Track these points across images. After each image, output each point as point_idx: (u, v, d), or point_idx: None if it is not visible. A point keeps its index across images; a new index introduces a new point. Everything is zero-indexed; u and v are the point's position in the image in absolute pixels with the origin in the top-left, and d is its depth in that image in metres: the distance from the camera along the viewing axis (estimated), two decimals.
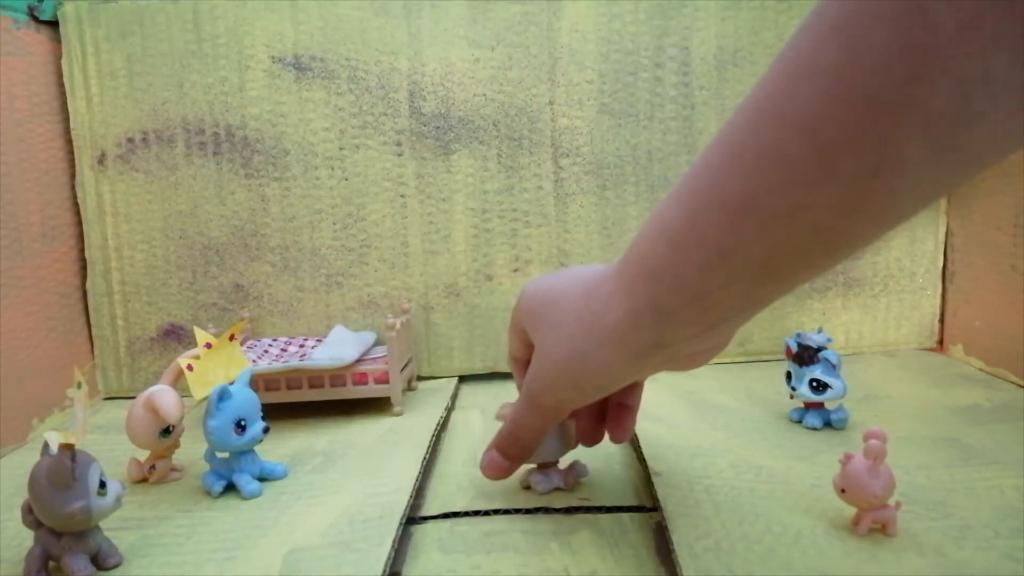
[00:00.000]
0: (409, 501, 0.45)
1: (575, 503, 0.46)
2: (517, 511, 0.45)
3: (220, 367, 0.52)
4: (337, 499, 0.47)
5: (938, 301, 0.75)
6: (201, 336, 0.52)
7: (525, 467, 0.48)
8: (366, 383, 0.63)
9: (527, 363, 0.45)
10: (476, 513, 0.45)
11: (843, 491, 0.39)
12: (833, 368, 0.54)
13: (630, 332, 0.33)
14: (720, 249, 0.27)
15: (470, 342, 0.75)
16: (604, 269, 0.36)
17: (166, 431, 0.51)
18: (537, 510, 0.45)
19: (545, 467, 0.48)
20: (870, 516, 0.39)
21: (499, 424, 0.47)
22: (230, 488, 0.49)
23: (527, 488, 0.48)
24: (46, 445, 0.38)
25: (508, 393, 0.48)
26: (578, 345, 0.35)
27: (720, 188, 0.27)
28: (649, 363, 0.34)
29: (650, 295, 0.31)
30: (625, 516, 0.44)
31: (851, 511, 0.40)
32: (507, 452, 0.44)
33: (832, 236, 0.25)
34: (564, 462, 0.48)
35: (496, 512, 0.45)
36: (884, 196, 0.24)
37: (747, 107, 0.26)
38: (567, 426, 0.47)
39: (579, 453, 0.49)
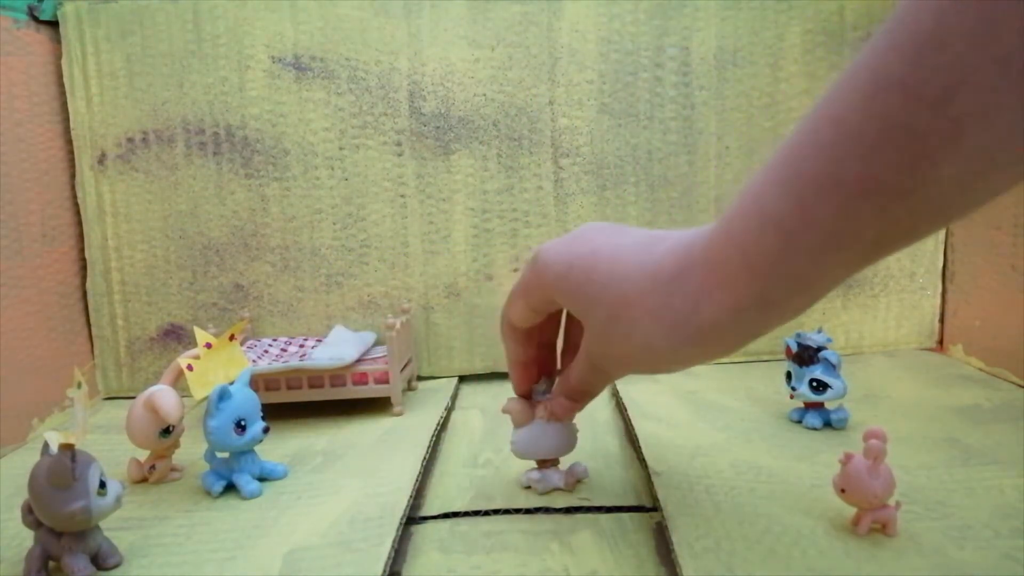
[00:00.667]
0: (409, 501, 0.45)
1: (575, 503, 0.46)
2: (517, 511, 0.45)
3: (220, 367, 0.52)
4: (337, 499, 0.47)
5: (938, 301, 0.75)
6: (201, 336, 0.52)
7: (525, 465, 0.48)
8: (366, 383, 0.63)
9: (528, 333, 0.44)
10: (476, 513, 0.45)
11: (843, 491, 0.39)
12: (833, 368, 0.54)
13: (730, 329, 0.31)
14: (834, 234, 0.26)
15: (470, 342, 0.75)
16: (674, 255, 0.33)
17: (166, 431, 0.51)
18: (537, 510, 0.45)
19: (544, 465, 0.48)
20: (870, 516, 0.39)
21: (503, 419, 0.47)
22: (230, 488, 0.49)
23: (527, 488, 0.48)
24: (46, 445, 0.38)
25: (508, 393, 0.48)
26: (657, 344, 0.33)
27: (835, 169, 0.25)
28: (731, 352, 0.33)
29: (756, 288, 0.29)
30: (625, 516, 0.44)
31: (851, 511, 0.40)
32: (574, 397, 0.44)
33: (949, 209, 0.25)
34: (564, 463, 0.48)
35: (496, 512, 0.45)
36: (1006, 164, 0.23)
37: (861, 80, 0.24)
38: (571, 426, 0.47)
39: (579, 455, 0.49)
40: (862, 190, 0.25)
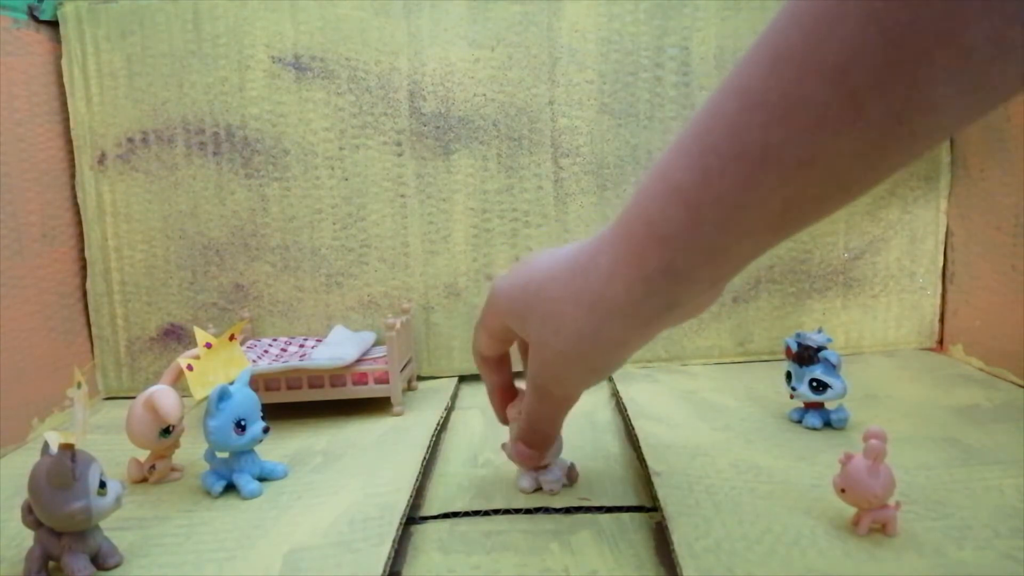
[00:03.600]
0: (409, 501, 0.45)
1: (575, 503, 0.46)
2: (517, 511, 0.45)
3: (220, 367, 0.52)
4: (337, 499, 0.47)
5: (938, 301, 0.75)
6: (201, 336, 0.52)
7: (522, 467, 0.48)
8: (366, 383, 0.63)
9: (499, 361, 0.46)
10: (476, 513, 0.45)
11: (843, 491, 0.39)
12: (833, 368, 0.54)
13: (641, 300, 0.31)
14: (738, 205, 0.27)
15: (470, 342, 0.75)
16: (590, 245, 0.35)
17: (166, 431, 0.51)
18: (537, 510, 0.45)
19: (536, 469, 0.48)
20: (870, 516, 0.39)
21: (508, 425, 0.48)
22: (230, 488, 0.49)
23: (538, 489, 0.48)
24: (46, 445, 0.38)
25: None
26: (583, 327, 0.34)
27: (738, 139, 0.26)
28: (659, 326, 0.34)
29: (663, 259, 0.30)
30: (625, 516, 0.44)
31: (851, 511, 0.40)
32: (531, 443, 0.44)
33: (851, 181, 0.25)
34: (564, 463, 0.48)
35: (496, 512, 0.45)
36: (907, 139, 0.23)
37: (765, 55, 0.25)
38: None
39: (579, 455, 0.49)
40: (763, 159, 0.25)
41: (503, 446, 0.48)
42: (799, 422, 0.56)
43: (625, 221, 0.32)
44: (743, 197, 0.26)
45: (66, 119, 0.72)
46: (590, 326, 0.34)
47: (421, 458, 0.52)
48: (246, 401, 0.49)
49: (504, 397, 0.48)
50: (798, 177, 0.25)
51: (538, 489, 0.47)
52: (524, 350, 0.45)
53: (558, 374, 0.38)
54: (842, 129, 0.23)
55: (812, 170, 0.25)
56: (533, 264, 0.39)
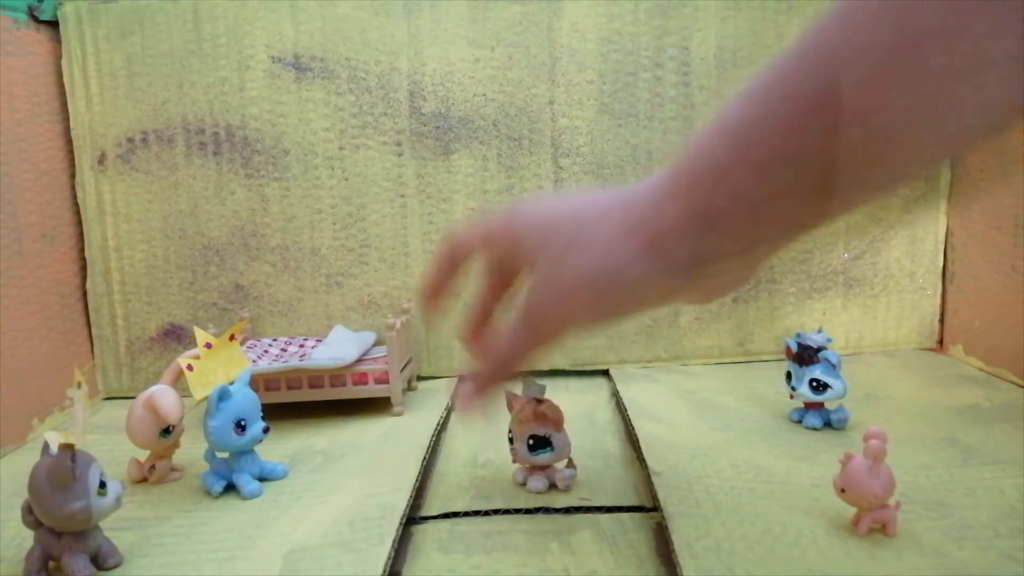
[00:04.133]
0: (409, 501, 0.45)
1: (575, 503, 0.46)
2: (517, 511, 0.45)
3: (220, 367, 0.52)
4: (337, 499, 0.47)
5: (938, 301, 0.75)
6: (201, 336, 0.52)
7: (519, 465, 0.48)
8: (366, 383, 0.63)
9: (458, 264, 0.43)
10: (476, 513, 0.45)
11: (843, 491, 0.39)
12: (833, 368, 0.54)
13: (674, 241, 0.31)
14: (783, 152, 0.26)
15: None
16: (643, 181, 0.34)
17: (166, 431, 0.51)
18: (537, 510, 0.45)
19: (535, 470, 0.48)
20: (870, 516, 0.39)
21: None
22: (230, 488, 0.49)
23: (522, 485, 0.48)
24: (46, 445, 0.38)
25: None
26: (608, 257, 0.32)
27: (793, 82, 0.26)
28: (679, 286, 0.32)
29: (705, 198, 0.29)
30: (625, 516, 0.44)
31: (851, 511, 0.40)
32: (489, 382, 0.41)
33: (897, 149, 0.25)
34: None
35: (496, 512, 0.45)
36: (963, 101, 0.23)
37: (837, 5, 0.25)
38: (563, 435, 0.47)
39: (579, 455, 0.49)
40: (816, 104, 0.25)
41: (454, 395, 0.43)
42: (799, 422, 0.56)
43: (678, 158, 0.32)
44: (789, 145, 0.26)
45: (66, 119, 0.72)
46: (616, 257, 0.32)
47: (421, 458, 0.52)
48: (246, 401, 0.49)
49: (437, 294, 0.45)
50: (846, 131, 0.25)
51: (552, 487, 0.47)
52: (496, 286, 0.43)
53: (562, 302, 0.35)
54: (899, 81, 0.23)
55: (861, 125, 0.24)
56: (568, 194, 0.37)
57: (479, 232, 0.41)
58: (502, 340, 0.40)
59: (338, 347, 0.64)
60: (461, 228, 0.42)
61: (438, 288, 0.45)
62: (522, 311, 0.38)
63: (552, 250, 0.35)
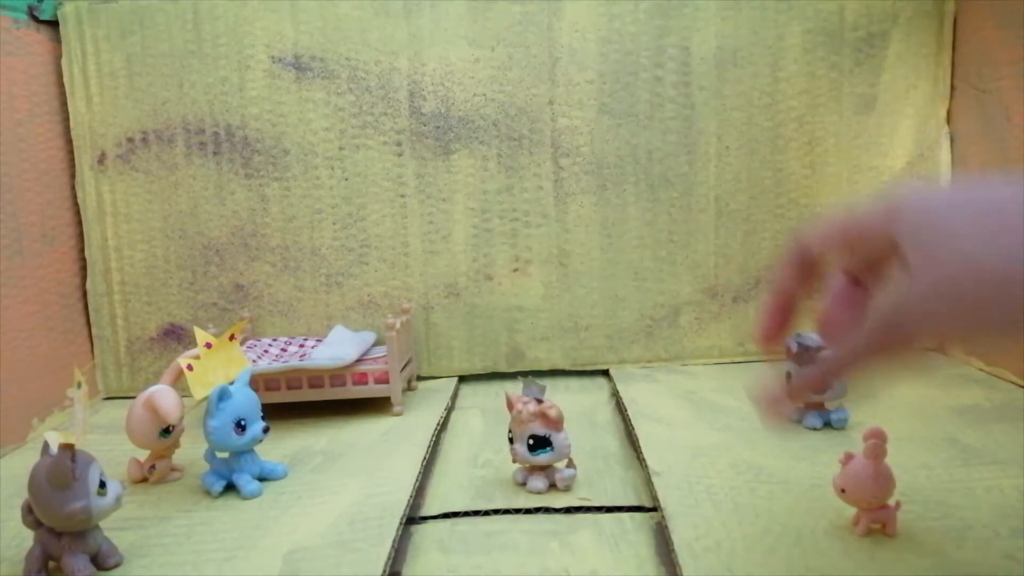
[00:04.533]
0: (409, 501, 0.45)
1: (575, 503, 0.46)
2: (517, 511, 0.45)
3: (220, 367, 0.52)
4: (337, 499, 0.47)
5: None
6: (201, 336, 0.52)
7: (518, 465, 0.48)
8: (366, 383, 0.63)
9: (812, 265, 0.37)
10: (476, 513, 0.45)
11: (843, 491, 0.39)
12: None
13: None
14: None
15: (470, 342, 0.75)
16: None
17: (166, 431, 0.51)
18: (537, 510, 0.45)
19: (535, 471, 0.48)
20: (869, 516, 0.39)
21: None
22: (230, 488, 0.49)
23: (522, 484, 0.48)
24: (46, 445, 0.38)
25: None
26: None
27: None
28: None
29: None
30: (625, 516, 0.44)
31: (851, 511, 0.40)
32: (823, 382, 0.35)
33: None
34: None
35: (496, 512, 0.45)
36: None
37: None
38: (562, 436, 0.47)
39: (579, 455, 0.49)
40: None
41: (756, 395, 0.38)
42: (799, 422, 0.56)
43: None
44: None
45: (66, 119, 0.72)
46: None
47: (421, 458, 0.52)
48: (246, 401, 0.49)
49: (783, 310, 0.39)
50: None
51: (552, 487, 0.47)
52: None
53: (948, 300, 0.29)
54: None
55: None
56: (967, 180, 0.32)
57: (841, 226, 0.34)
58: (845, 345, 0.34)
59: (338, 347, 0.64)
60: (815, 225, 0.35)
61: (783, 315, 0.38)
62: (877, 321, 0.32)
63: (944, 244, 0.30)
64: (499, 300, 0.75)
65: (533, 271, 0.74)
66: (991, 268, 0.28)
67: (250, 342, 0.70)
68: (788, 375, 0.57)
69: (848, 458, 0.39)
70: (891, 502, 0.39)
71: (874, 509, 0.39)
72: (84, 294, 0.74)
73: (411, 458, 0.52)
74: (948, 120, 0.73)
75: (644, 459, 0.50)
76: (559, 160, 0.73)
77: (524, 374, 0.55)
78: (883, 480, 0.38)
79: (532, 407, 0.46)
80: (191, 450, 0.53)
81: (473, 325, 0.75)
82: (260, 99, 0.72)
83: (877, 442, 0.38)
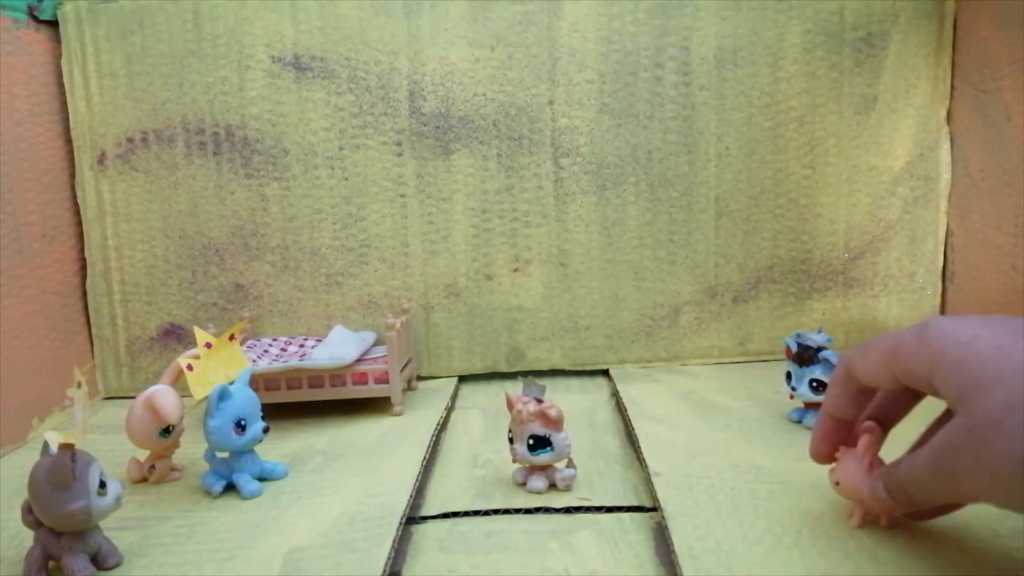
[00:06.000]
0: (409, 501, 0.45)
1: (575, 503, 0.46)
2: (517, 511, 0.45)
3: (220, 367, 0.52)
4: (337, 499, 0.47)
5: (938, 301, 0.75)
6: (201, 336, 0.52)
7: (518, 465, 0.48)
8: (366, 383, 0.63)
9: (867, 392, 0.38)
10: (476, 513, 0.45)
11: (837, 484, 0.39)
12: (833, 368, 0.54)
13: None
14: None
15: (470, 342, 0.75)
16: None
17: (166, 431, 0.51)
18: (537, 510, 0.45)
19: (535, 471, 0.48)
20: (863, 508, 0.39)
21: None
22: (230, 488, 0.49)
23: (522, 484, 0.48)
24: (46, 445, 0.38)
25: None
26: None
27: None
28: None
29: None
30: (625, 516, 0.44)
31: (850, 509, 0.40)
32: (895, 499, 0.36)
33: None
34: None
35: (496, 512, 0.45)
36: None
37: None
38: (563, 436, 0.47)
39: (579, 455, 0.49)
40: None
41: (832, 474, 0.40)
42: (799, 422, 0.56)
43: None
44: None
45: (66, 119, 0.72)
46: None
47: (421, 458, 0.52)
48: (246, 401, 0.49)
49: (836, 431, 0.40)
50: None
51: (552, 487, 0.47)
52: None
53: (977, 480, 0.29)
54: None
55: None
56: (1013, 323, 0.31)
57: (880, 354, 0.35)
58: (902, 470, 0.35)
59: (338, 347, 0.64)
60: (863, 356, 0.36)
61: (836, 437, 0.40)
62: (937, 458, 0.31)
63: (977, 411, 0.29)
64: (499, 300, 0.75)
65: (533, 271, 0.74)
66: None
67: (250, 342, 0.70)
68: (788, 375, 0.58)
69: (843, 452, 0.39)
70: None
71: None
72: (84, 294, 0.74)
73: (411, 458, 0.52)
74: (948, 120, 0.73)
75: (644, 459, 0.50)
76: (559, 160, 0.73)
77: (524, 374, 0.55)
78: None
79: (532, 407, 0.46)
80: (191, 450, 0.53)
81: (473, 325, 0.75)
82: (260, 99, 0.72)
83: (871, 436, 0.38)
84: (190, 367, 0.51)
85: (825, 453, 0.41)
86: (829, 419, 0.40)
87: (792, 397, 0.56)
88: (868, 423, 0.39)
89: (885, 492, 0.36)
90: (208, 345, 0.52)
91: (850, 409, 0.39)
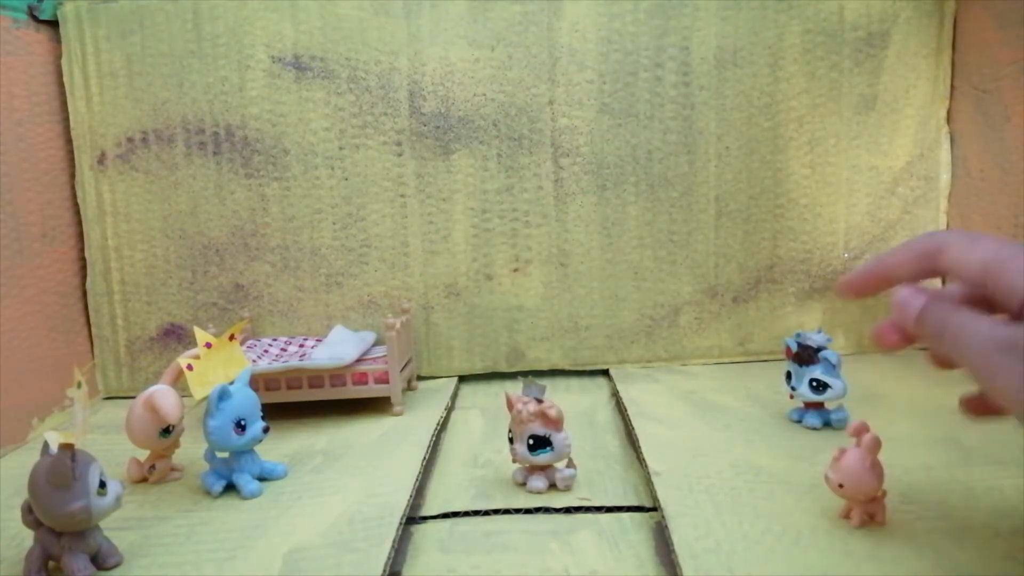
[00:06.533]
0: (409, 501, 0.45)
1: (575, 503, 0.46)
2: (517, 511, 0.45)
3: (220, 367, 0.52)
4: (337, 499, 0.47)
5: None
6: (201, 336, 0.52)
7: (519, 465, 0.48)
8: (366, 383, 0.63)
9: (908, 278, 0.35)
10: (476, 513, 0.45)
11: (840, 486, 0.39)
12: (833, 368, 0.54)
13: None
14: None
15: (470, 342, 0.75)
16: None
17: (166, 431, 0.51)
18: (537, 510, 0.45)
19: (535, 470, 0.48)
20: (862, 508, 0.39)
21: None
22: (230, 488, 0.49)
23: (522, 484, 0.48)
24: (46, 445, 0.38)
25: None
26: None
27: None
28: None
29: None
30: (625, 516, 0.44)
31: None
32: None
33: None
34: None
35: (496, 512, 0.45)
36: None
37: None
38: (563, 437, 0.47)
39: (579, 455, 0.49)
40: None
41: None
42: (799, 422, 0.56)
43: None
44: None
45: (66, 119, 0.72)
46: None
47: (421, 458, 0.52)
48: (246, 401, 0.49)
49: (880, 280, 0.37)
50: None
51: (552, 487, 0.47)
52: None
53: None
54: None
55: None
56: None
57: (971, 257, 0.32)
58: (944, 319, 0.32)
59: (338, 347, 0.64)
60: (967, 244, 0.33)
61: (877, 282, 0.37)
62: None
63: None
64: (499, 300, 0.75)
65: (533, 271, 0.74)
66: None
67: (250, 342, 0.70)
68: (788, 375, 0.58)
69: (841, 453, 0.39)
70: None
71: (867, 500, 0.39)
72: (84, 294, 0.74)
73: (411, 458, 0.52)
74: (948, 120, 0.73)
75: (644, 459, 0.50)
76: (559, 160, 0.73)
77: (524, 374, 0.55)
78: (878, 472, 0.38)
79: (532, 407, 0.46)
80: (191, 450, 0.53)
81: (473, 325, 0.75)
82: (260, 99, 0.72)
83: (875, 435, 0.38)
84: (190, 367, 0.51)
85: (858, 285, 0.38)
86: (882, 267, 0.37)
87: (792, 397, 0.56)
88: (857, 424, 0.39)
89: (929, 325, 0.33)
90: (208, 345, 0.52)
91: (908, 278, 0.36)
